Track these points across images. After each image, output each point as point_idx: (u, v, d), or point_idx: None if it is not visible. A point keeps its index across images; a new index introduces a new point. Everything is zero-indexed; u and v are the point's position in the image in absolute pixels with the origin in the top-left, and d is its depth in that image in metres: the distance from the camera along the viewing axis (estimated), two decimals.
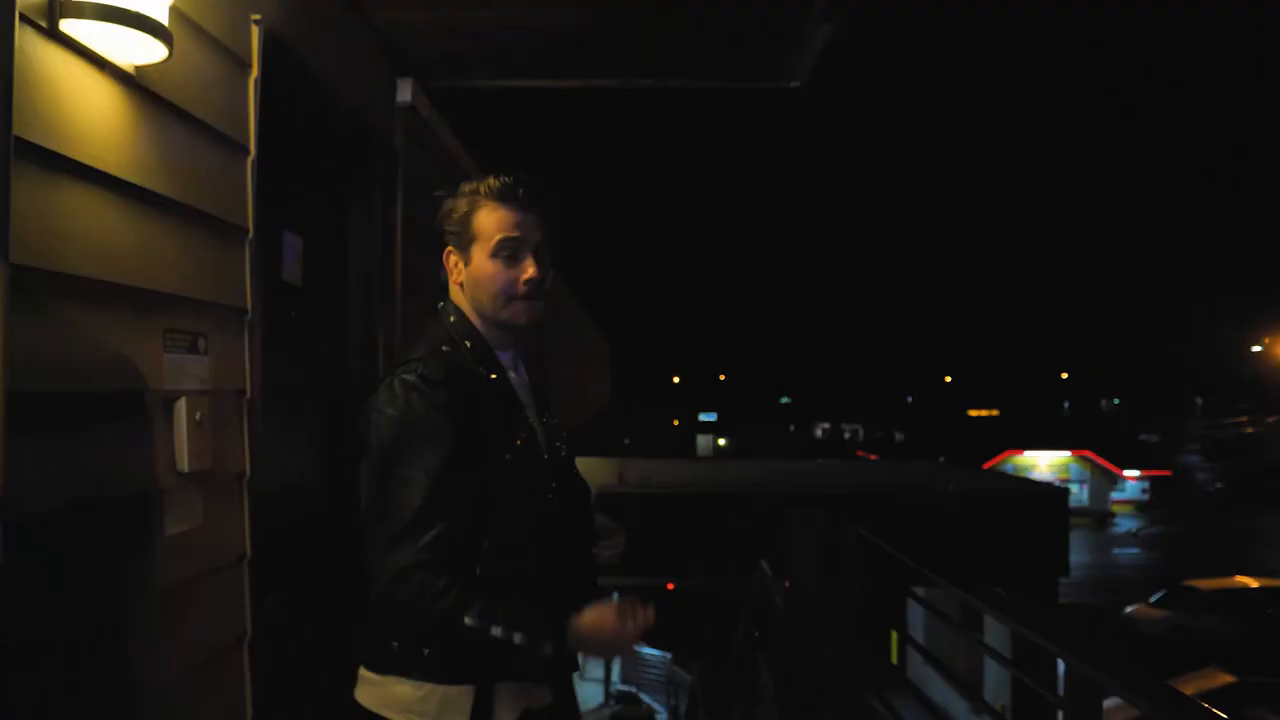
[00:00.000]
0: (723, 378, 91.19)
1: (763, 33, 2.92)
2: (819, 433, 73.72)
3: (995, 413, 75.08)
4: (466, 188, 1.71)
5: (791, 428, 74.99)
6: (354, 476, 1.69)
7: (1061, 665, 2.07)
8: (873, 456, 53.76)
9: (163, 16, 1.46)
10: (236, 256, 1.92)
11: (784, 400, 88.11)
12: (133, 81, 1.54)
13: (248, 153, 1.95)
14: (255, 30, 1.96)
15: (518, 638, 1.50)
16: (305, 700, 2.22)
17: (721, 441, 63.39)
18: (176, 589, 1.67)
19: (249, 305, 1.94)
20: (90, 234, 1.45)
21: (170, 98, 1.66)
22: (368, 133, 2.75)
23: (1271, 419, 56.63)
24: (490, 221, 1.67)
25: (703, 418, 72.27)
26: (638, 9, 2.80)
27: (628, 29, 2.98)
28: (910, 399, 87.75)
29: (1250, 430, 57.65)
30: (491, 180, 1.70)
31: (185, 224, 1.73)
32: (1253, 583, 22.91)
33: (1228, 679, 18.68)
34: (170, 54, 1.53)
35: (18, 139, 1.19)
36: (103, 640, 1.48)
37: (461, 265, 1.71)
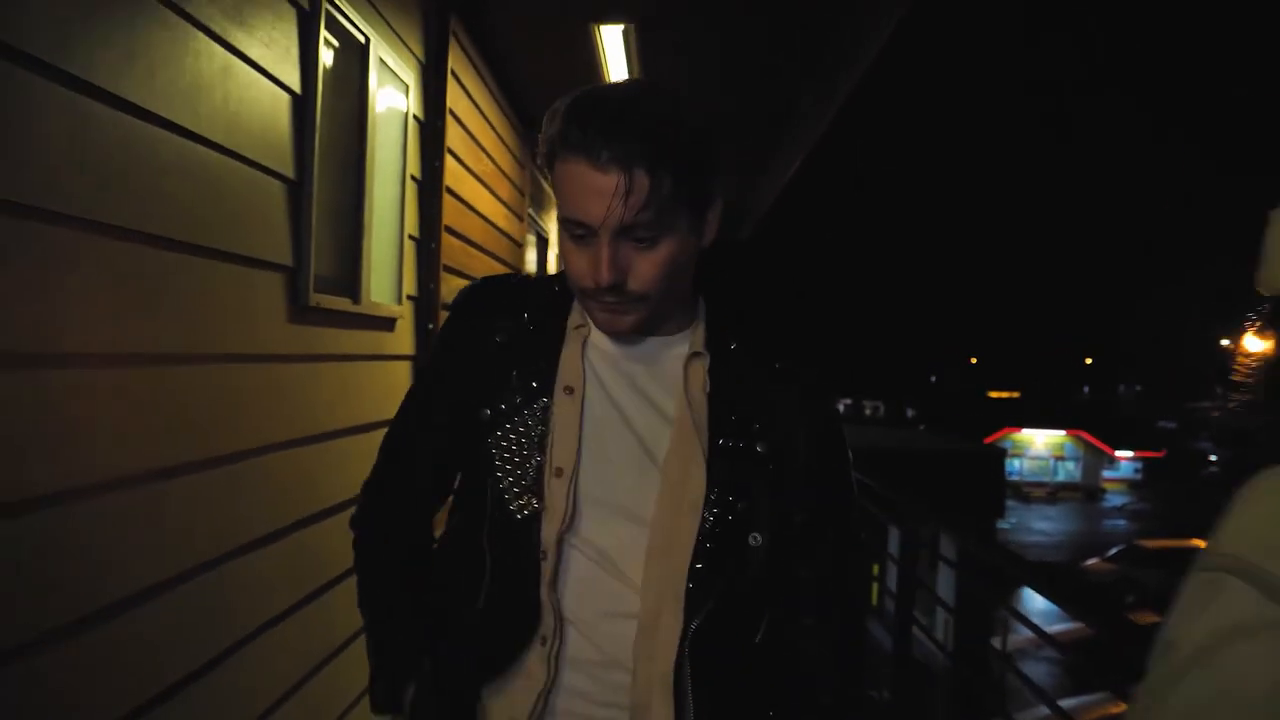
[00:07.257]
0: None
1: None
2: (841, 407, 76.05)
3: (1016, 394, 76.92)
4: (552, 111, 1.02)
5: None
6: None
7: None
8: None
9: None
10: None
11: None
12: None
13: None
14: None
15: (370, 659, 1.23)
16: None
17: None
18: None
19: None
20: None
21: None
22: None
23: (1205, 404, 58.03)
24: (561, 180, 1.01)
25: None
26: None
27: None
28: (934, 378, 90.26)
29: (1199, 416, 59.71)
30: (565, 109, 1.00)
31: None
32: (1202, 544, 25.75)
33: (1155, 619, 21.91)
34: None
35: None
36: None
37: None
